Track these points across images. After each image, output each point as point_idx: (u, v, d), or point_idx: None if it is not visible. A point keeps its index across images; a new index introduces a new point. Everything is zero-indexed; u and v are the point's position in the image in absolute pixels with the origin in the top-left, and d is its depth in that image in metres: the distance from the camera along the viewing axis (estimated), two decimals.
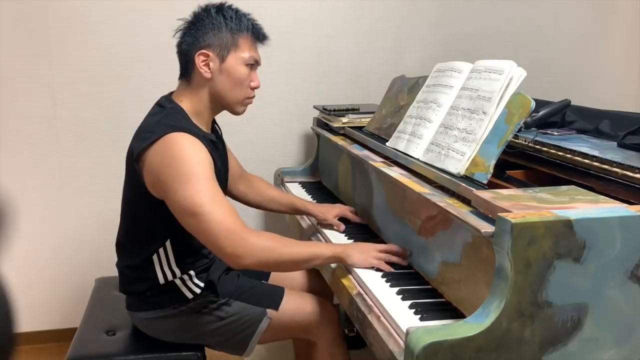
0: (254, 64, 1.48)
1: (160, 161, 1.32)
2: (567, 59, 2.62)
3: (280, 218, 2.14)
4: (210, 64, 1.42)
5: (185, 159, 1.30)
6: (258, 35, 1.47)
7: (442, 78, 1.57)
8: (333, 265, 1.46)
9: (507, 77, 1.33)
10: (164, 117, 1.39)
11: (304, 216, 1.87)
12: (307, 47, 2.36)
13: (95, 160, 2.25)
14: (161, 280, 1.46)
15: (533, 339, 0.99)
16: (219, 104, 1.48)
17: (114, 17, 2.16)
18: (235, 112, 1.51)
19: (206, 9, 1.44)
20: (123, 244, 1.53)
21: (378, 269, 1.39)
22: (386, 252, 1.42)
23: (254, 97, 1.51)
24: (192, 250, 1.47)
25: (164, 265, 1.46)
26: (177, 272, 1.47)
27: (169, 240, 1.44)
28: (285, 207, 1.82)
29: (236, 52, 1.43)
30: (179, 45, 1.47)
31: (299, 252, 1.37)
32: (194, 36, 1.42)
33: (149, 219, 1.42)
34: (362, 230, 1.69)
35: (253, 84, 1.48)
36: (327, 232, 1.67)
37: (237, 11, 1.46)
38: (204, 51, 1.41)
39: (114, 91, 2.21)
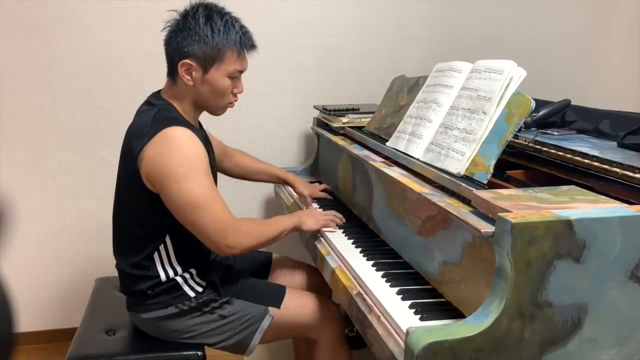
0: (238, 75, 1.47)
1: (159, 155, 1.34)
2: (567, 59, 2.63)
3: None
4: (193, 73, 1.42)
5: (184, 153, 1.35)
6: (245, 46, 1.44)
7: (442, 78, 1.57)
8: (333, 265, 1.46)
9: (507, 77, 1.33)
10: (158, 113, 1.41)
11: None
12: (308, 47, 2.36)
13: (95, 160, 2.25)
14: (163, 277, 1.47)
15: (533, 339, 0.99)
16: (200, 107, 1.50)
17: (113, 17, 2.16)
18: (215, 115, 1.54)
19: (195, 16, 1.40)
20: (121, 247, 1.53)
21: (378, 269, 1.39)
22: (329, 216, 1.65)
23: (236, 100, 1.52)
24: (192, 245, 1.48)
25: (165, 262, 1.47)
26: (179, 269, 1.48)
27: (168, 236, 1.46)
28: (267, 177, 1.97)
29: (220, 66, 1.42)
30: (165, 45, 1.45)
31: (271, 230, 1.50)
32: (179, 44, 1.40)
33: (147, 215, 1.44)
34: (362, 230, 1.69)
35: (236, 91, 1.49)
36: (328, 233, 1.67)
37: (226, 21, 1.41)
38: (186, 61, 1.40)
39: (114, 91, 2.21)
